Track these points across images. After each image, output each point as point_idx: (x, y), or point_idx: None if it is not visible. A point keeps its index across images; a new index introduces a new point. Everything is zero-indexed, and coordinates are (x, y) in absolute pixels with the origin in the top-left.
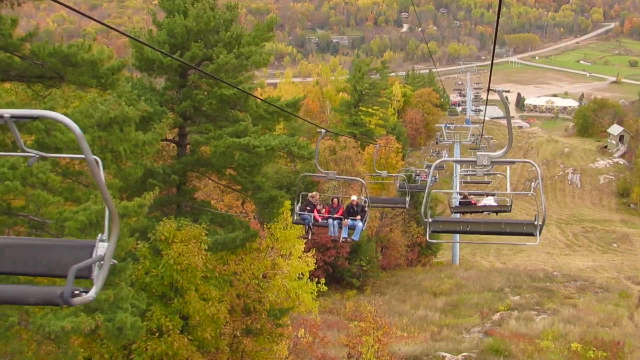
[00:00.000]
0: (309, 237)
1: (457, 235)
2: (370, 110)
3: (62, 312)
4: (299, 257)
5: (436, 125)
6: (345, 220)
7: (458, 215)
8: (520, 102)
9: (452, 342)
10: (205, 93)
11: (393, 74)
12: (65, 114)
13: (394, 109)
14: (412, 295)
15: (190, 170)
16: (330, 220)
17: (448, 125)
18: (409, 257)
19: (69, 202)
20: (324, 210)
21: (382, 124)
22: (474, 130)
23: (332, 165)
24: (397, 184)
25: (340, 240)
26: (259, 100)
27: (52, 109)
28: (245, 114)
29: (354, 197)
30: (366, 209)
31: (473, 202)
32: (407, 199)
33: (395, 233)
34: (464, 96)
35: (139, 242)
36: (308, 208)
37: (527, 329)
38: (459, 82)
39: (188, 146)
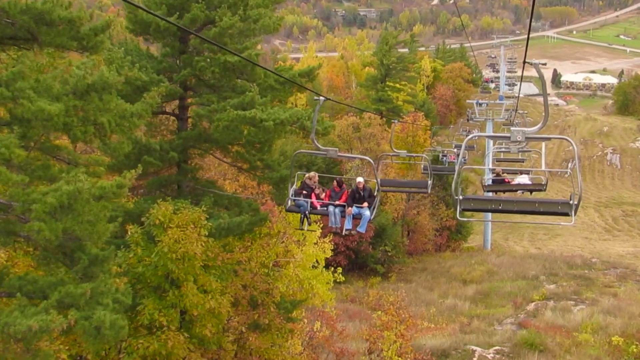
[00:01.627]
0: (305, 229)
1: (489, 216)
2: (397, 85)
3: (31, 310)
4: (315, 244)
5: (467, 101)
6: (350, 207)
7: (490, 194)
8: (556, 79)
9: (483, 335)
10: (208, 60)
11: (422, 48)
12: (37, 81)
13: (423, 84)
14: (440, 282)
15: (191, 147)
16: (330, 208)
17: (480, 102)
18: (437, 241)
19: (42, 181)
20: (323, 195)
21: (410, 100)
22: (508, 105)
23: (355, 144)
24: (422, 166)
25: (344, 233)
26: (267, 70)
27: (20, 74)
28: (252, 84)
29: (359, 179)
30: (375, 193)
31: (506, 180)
32: (430, 182)
33: (422, 216)
34: (498, 72)
35: (131, 226)
36: (304, 192)
37: (564, 320)
38: (492, 56)
39: (189, 120)
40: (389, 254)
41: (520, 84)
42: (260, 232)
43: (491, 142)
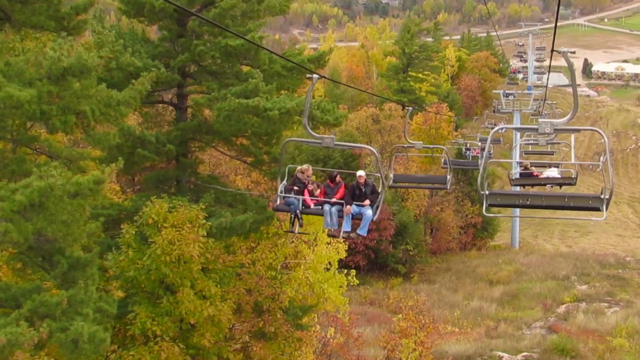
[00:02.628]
0: (296, 231)
1: (517, 212)
2: (420, 75)
3: (0, 321)
4: (327, 244)
5: (493, 92)
6: (348, 206)
7: (518, 188)
8: (587, 69)
9: (511, 340)
10: (207, 44)
11: (447, 37)
12: (7, 64)
13: (447, 74)
14: (465, 283)
15: (191, 139)
16: (326, 207)
17: (507, 92)
18: (462, 240)
19: (17, 176)
20: (318, 191)
21: (434, 90)
22: (537, 95)
23: (375, 137)
24: (442, 160)
25: (341, 236)
26: (273, 55)
27: None
28: (255, 71)
29: (360, 173)
30: (379, 189)
31: (535, 174)
32: (449, 177)
33: (446, 213)
34: (525, 61)
35: (123, 226)
36: (296, 188)
37: (597, 324)
38: (520, 44)
39: (189, 110)
40: (411, 253)
41: (549, 73)
42: (268, 231)
43: (518, 134)
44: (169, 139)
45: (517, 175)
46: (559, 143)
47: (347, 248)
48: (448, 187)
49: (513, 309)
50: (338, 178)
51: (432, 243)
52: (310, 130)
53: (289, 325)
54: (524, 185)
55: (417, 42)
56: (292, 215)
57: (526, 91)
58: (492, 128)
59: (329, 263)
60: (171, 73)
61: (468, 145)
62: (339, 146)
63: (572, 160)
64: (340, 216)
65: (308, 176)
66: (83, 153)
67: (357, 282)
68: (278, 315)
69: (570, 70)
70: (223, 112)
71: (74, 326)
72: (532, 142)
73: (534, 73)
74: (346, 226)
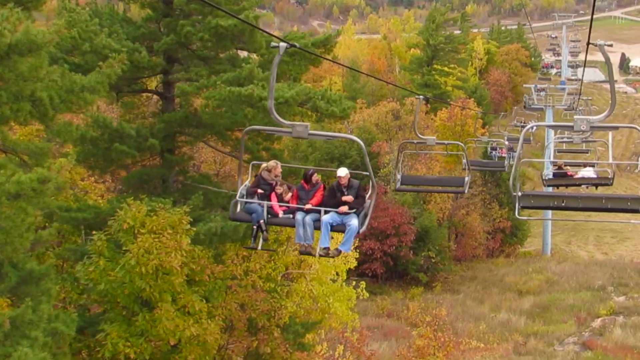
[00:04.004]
0: (259, 247)
1: (549, 214)
2: (446, 68)
3: None
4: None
5: (524, 85)
6: (325, 214)
7: (551, 189)
8: (624, 64)
9: (541, 357)
10: (195, 24)
11: (475, 30)
12: None
13: (475, 68)
14: (492, 294)
15: (178, 132)
16: (298, 216)
17: (538, 86)
18: (489, 246)
19: None
20: (289, 195)
21: (460, 85)
22: (571, 90)
23: (395, 134)
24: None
25: (317, 254)
26: (272, 37)
27: None
28: (250, 56)
29: (341, 171)
30: (367, 193)
31: (569, 173)
32: (467, 179)
33: (472, 217)
34: (559, 54)
35: (94, 232)
36: (260, 192)
37: (636, 339)
38: (553, 36)
39: (177, 100)
40: (433, 260)
41: (584, 67)
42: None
43: (552, 132)
44: (152, 132)
45: (551, 176)
46: (594, 141)
47: (357, 256)
48: (465, 191)
49: (544, 322)
50: (315, 178)
51: (456, 249)
52: (278, 116)
53: (287, 345)
54: (557, 186)
55: (443, 33)
56: (255, 226)
57: (559, 85)
58: (521, 126)
59: (336, 273)
60: (155, 57)
61: (494, 144)
62: (314, 136)
63: (610, 160)
64: (317, 227)
65: (276, 175)
66: (44, 148)
67: (367, 295)
68: (275, 333)
69: (607, 63)
70: (212, 102)
71: (18, 353)
72: (566, 140)
73: (568, 66)
74: (324, 241)
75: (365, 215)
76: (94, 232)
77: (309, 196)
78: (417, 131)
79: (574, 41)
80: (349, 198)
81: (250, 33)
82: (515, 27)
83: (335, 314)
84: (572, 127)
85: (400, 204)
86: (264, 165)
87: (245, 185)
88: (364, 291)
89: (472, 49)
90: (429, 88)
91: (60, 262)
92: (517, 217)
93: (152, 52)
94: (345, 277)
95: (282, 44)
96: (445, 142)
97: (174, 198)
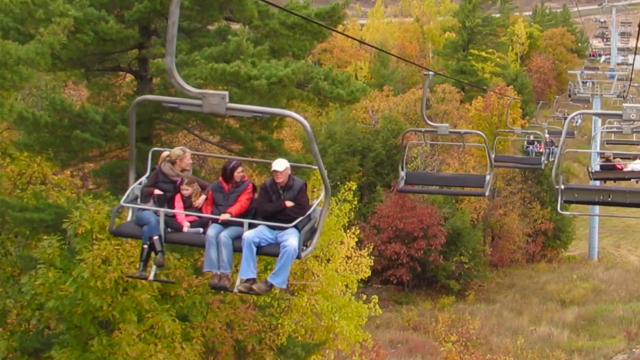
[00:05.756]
0: (150, 277)
1: (597, 210)
2: (483, 54)
3: None
4: (347, 258)
5: (569, 72)
6: (250, 227)
7: (598, 182)
8: None
9: None
10: None
11: (517, 12)
12: None
13: (515, 53)
14: (531, 304)
15: (156, 119)
16: (210, 231)
17: (585, 73)
18: (529, 250)
19: None
20: (201, 198)
21: (499, 72)
22: (621, 75)
23: (425, 125)
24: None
25: (236, 289)
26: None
27: None
28: (241, 28)
29: (278, 164)
30: (320, 199)
31: (618, 166)
32: (489, 177)
33: (510, 217)
34: (608, 40)
35: (45, 237)
36: (158, 193)
37: None
38: (602, 20)
39: (155, 80)
40: (466, 266)
41: (635, 52)
42: None
43: (599, 121)
44: (123, 117)
45: (598, 168)
46: None
47: (371, 263)
48: (486, 193)
49: (590, 336)
50: (239, 174)
51: (492, 254)
52: (181, 80)
53: None
54: (605, 180)
55: (480, 14)
56: (146, 245)
57: (608, 72)
58: (563, 118)
59: (346, 286)
60: (127, 29)
61: (531, 137)
62: (234, 112)
63: None
64: (238, 249)
65: (184, 169)
66: None
67: (380, 312)
68: (268, 358)
69: None
70: (192, 81)
71: None
72: (615, 130)
73: (618, 51)
74: (246, 269)
75: (313, 232)
76: (44, 237)
77: (229, 201)
78: (425, 117)
79: (624, 23)
80: (288, 203)
81: (239, 0)
82: (561, 9)
83: (341, 334)
84: (621, 115)
85: (430, 202)
86: (165, 153)
87: (141, 184)
88: (377, 306)
89: (513, 33)
90: (464, 75)
91: (17, 271)
92: (560, 212)
93: (122, 21)
94: (355, 290)
95: None
96: (461, 130)
97: None
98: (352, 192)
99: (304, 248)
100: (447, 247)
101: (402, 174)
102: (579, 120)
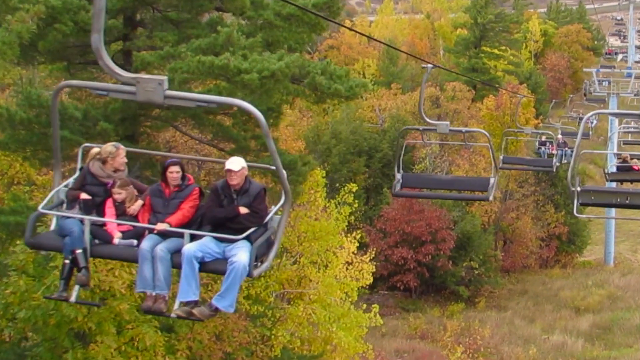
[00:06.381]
0: (72, 299)
1: (613, 213)
2: (495, 51)
3: None
4: (348, 264)
5: (585, 70)
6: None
7: (614, 184)
8: None
9: None
10: None
11: (531, 9)
12: None
13: (529, 51)
14: (544, 311)
15: (141, 115)
16: (145, 243)
17: (601, 72)
18: (542, 255)
19: None
20: (137, 203)
21: (512, 70)
22: (638, 74)
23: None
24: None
25: (174, 313)
26: None
27: None
28: (234, 19)
29: (233, 163)
30: (279, 205)
31: (635, 167)
32: (493, 180)
33: (523, 221)
34: (625, 37)
35: (18, 242)
36: (85, 197)
37: None
38: (618, 18)
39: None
40: (476, 271)
41: None
42: None
43: (616, 121)
44: (106, 113)
45: (614, 170)
46: None
47: (373, 270)
48: (490, 197)
49: (605, 346)
50: (173, 172)
51: (503, 259)
52: (112, 64)
53: None
54: (621, 181)
55: (493, 10)
56: (68, 261)
57: (625, 70)
58: (578, 118)
59: (346, 294)
60: (110, 19)
61: (543, 138)
62: (174, 100)
63: None
64: (178, 265)
65: (117, 170)
66: None
67: (381, 322)
68: None
69: None
70: (179, 74)
71: None
72: (632, 130)
73: (636, 49)
74: (186, 290)
75: (270, 245)
76: (18, 242)
77: (170, 208)
78: (423, 114)
79: None
80: (242, 209)
81: None
82: (576, 6)
83: (340, 345)
84: (638, 115)
85: (438, 206)
86: (95, 150)
87: (67, 187)
88: (377, 316)
89: (527, 30)
90: (476, 73)
91: None
92: (576, 215)
93: (106, 12)
94: (355, 298)
95: None
96: (463, 129)
97: None
98: (352, 195)
99: (258, 264)
100: (457, 252)
101: (398, 176)
102: (595, 121)
